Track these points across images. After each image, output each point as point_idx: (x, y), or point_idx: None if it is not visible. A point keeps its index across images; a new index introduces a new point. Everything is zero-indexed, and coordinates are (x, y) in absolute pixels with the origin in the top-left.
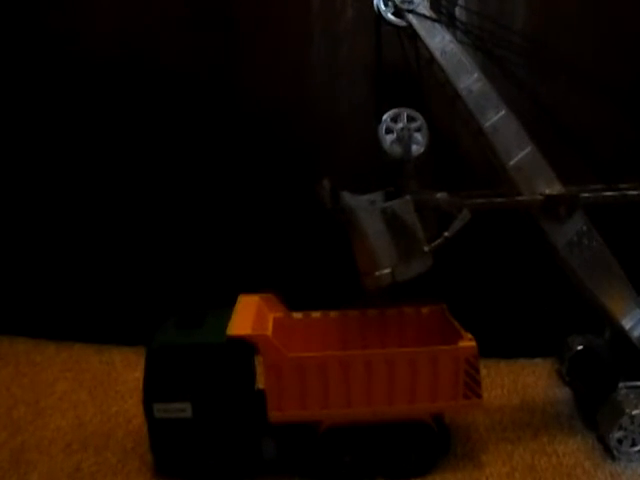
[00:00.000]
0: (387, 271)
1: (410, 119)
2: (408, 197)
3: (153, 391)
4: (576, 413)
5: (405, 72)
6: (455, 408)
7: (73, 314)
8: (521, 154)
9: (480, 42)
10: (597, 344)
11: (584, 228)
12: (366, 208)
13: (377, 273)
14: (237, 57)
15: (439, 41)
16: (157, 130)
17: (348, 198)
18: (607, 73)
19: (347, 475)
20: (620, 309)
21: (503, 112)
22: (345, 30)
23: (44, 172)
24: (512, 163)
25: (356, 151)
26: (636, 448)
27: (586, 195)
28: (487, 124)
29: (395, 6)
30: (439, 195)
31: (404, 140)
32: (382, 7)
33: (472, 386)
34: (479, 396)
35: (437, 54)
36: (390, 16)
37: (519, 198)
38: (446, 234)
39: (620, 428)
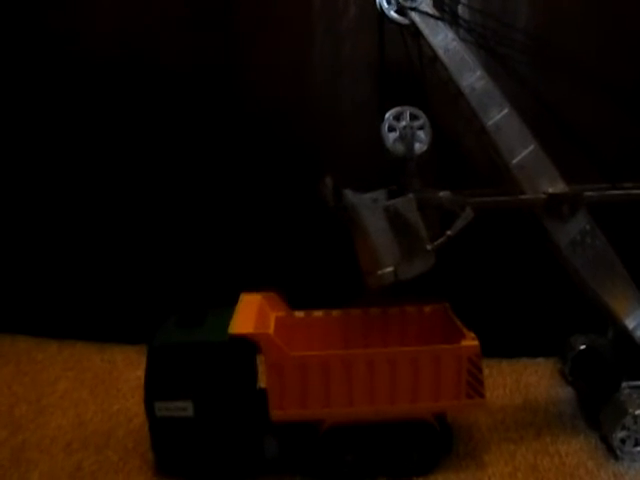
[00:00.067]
0: (390, 270)
1: (413, 117)
2: (411, 195)
3: (154, 390)
4: (579, 413)
5: (408, 70)
6: (458, 407)
7: (75, 312)
8: (524, 152)
9: (483, 40)
10: (600, 344)
11: (587, 227)
12: (369, 206)
13: (379, 272)
14: (239, 56)
15: (442, 39)
16: (158, 129)
17: (350, 196)
18: (611, 71)
19: (349, 474)
20: (623, 309)
21: (506, 110)
22: (348, 28)
23: (44, 171)
24: (515, 162)
25: (359, 149)
26: (639, 448)
27: (589, 194)
28: (490, 122)
29: (398, 4)
30: (442, 193)
31: (407, 138)
32: (385, 5)
33: (475, 385)
34: (482, 395)
35: (440, 52)
36: (393, 14)
37: (522, 197)
38: (449, 233)
39: (623, 428)
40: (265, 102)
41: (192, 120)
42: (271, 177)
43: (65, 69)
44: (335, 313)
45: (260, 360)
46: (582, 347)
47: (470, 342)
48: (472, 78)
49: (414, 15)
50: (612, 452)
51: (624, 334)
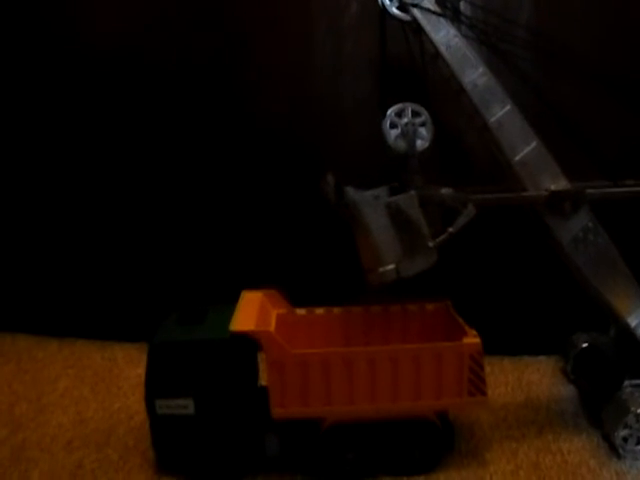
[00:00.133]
0: (391, 267)
1: (415, 114)
2: (412, 192)
3: (155, 387)
4: (581, 411)
5: (410, 67)
6: (459, 405)
7: (75, 311)
8: (526, 149)
9: (485, 36)
10: (602, 342)
11: (589, 224)
12: (370, 203)
13: (381, 269)
14: (240, 54)
15: (444, 35)
16: (159, 128)
17: (352, 193)
18: (613, 68)
19: (350, 472)
20: (626, 307)
21: (508, 107)
22: (349, 25)
23: (45, 170)
24: (517, 158)
25: (360, 146)
26: None
27: (591, 191)
28: (492, 119)
29: (399, 0)
30: (444, 190)
31: (408, 135)
32: (387, 1)
33: (477, 383)
34: (484, 393)
35: (442, 48)
36: (395, 10)
37: (524, 194)
38: (451, 230)
39: (625, 426)
40: (266, 100)
41: (193, 118)
42: (272, 175)
43: (65, 69)
44: (336, 310)
45: (261, 358)
46: (584, 345)
47: (472, 340)
48: (474, 75)
49: (416, 11)
50: (614, 450)
51: (626, 332)
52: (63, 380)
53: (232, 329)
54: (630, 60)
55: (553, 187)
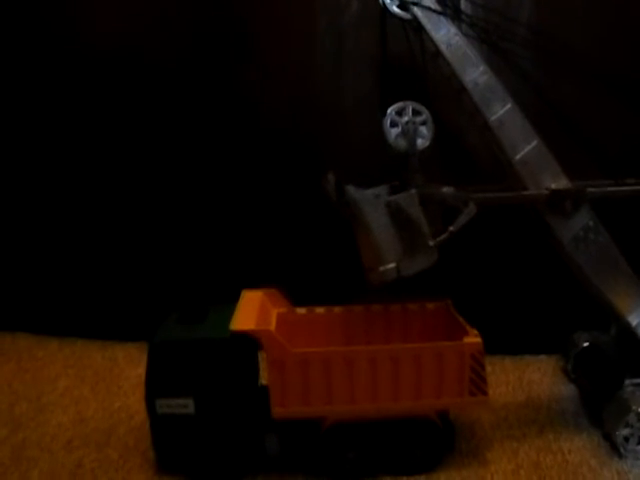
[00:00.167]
0: (392, 266)
1: (415, 112)
2: (413, 191)
3: (155, 387)
4: (581, 410)
5: (410, 65)
6: (460, 405)
7: (76, 310)
8: (527, 148)
9: (485, 35)
10: (603, 341)
11: (590, 223)
12: (371, 202)
13: (382, 268)
14: (240, 52)
15: (444, 34)
16: (159, 126)
17: (353, 192)
18: (614, 66)
19: (351, 472)
20: (627, 305)
21: (509, 105)
22: (350, 23)
23: (45, 170)
24: (518, 157)
25: (361, 145)
26: None
27: (592, 190)
28: (493, 118)
29: None
30: (445, 189)
31: (409, 134)
32: (387, 0)
33: (478, 383)
34: (485, 393)
35: (442, 47)
36: (395, 9)
37: (525, 192)
38: (451, 228)
39: (626, 426)
40: (267, 98)
41: (193, 117)
42: (273, 173)
43: (66, 68)
44: (337, 309)
45: (262, 357)
46: (585, 344)
47: (473, 339)
48: (475, 73)
49: (416, 10)
50: (615, 450)
51: (627, 331)
52: (63, 379)
53: (232, 328)
54: (631, 58)
55: (554, 186)
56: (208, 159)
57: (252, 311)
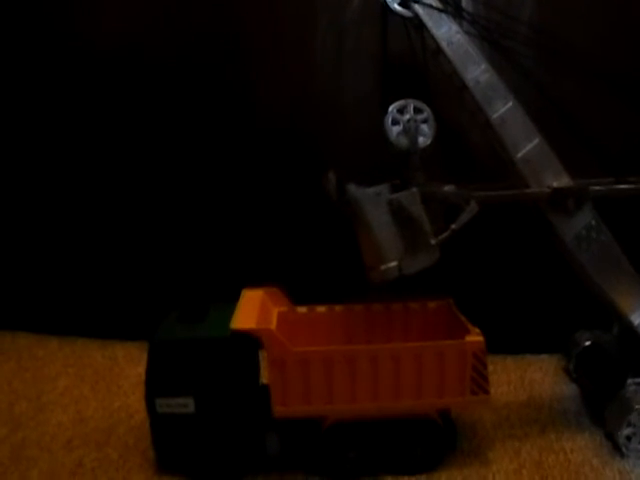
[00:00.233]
0: (393, 264)
1: (417, 110)
2: (414, 189)
3: (155, 386)
4: (583, 410)
5: (411, 63)
6: (462, 404)
7: (76, 309)
8: (529, 146)
9: (487, 33)
10: (605, 340)
11: (593, 222)
12: (372, 200)
13: (383, 267)
14: (241, 49)
15: (446, 32)
16: (159, 124)
17: (354, 190)
18: (616, 64)
19: (352, 471)
20: (629, 305)
21: (511, 103)
22: (351, 21)
23: (45, 169)
24: (520, 155)
25: (362, 143)
26: None
27: (595, 188)
28: (495, 116)
29: None
30: (446, 187)
31: (411, 132)
32: None
33: (479, 382)
34: (486, 392)
35: (444, 45)
36: (396, 6)
37: (527, 191)
38: (453, 227)
39: (629, 425)
40: (268, 97)
41: (193, 116)
42: (274, 172)
43: (67, 67)
44: (338, 308)
45: (262, 356)
46: (587, 343)
47: (475, 338)
48: (476, 71)
49: (417, 7)
50: (617, 449)
51: (629, 330)
52: (63, 379)
53: (233, 327)
54: (633, 56)
55: (556, 184)
56: (208, 158)
57: (253, 310)
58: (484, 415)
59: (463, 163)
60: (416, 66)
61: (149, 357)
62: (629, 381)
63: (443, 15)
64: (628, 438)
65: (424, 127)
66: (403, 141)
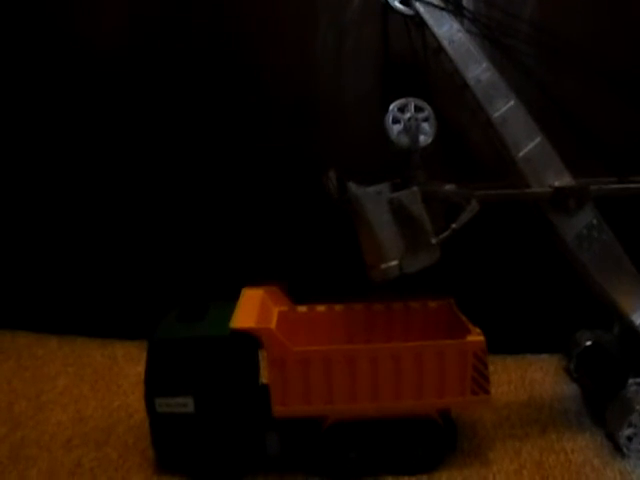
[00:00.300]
0: (394, 263)
1: (417, 109)
2: (415, 188)
3: (155, 385)
4: (584, 410)
5: (412, 61)
6: (463, 404)
7: (75, 308)
8: (530, 145)
9: (488, 31)
10: (606, 340)
11: (594, 221)
12: (373, 199)
13: (384, 265)
14: (241, 48)
15: (447, 30)
16: (159, 121)
17: (354, 189)
18: (617, 63)
19: (352, 471)
20: (630, 304)
21: (512, 102)
22: (352, 19)
23: (45, 168)
24: (521, 154)
25: (363, 141)
26: None
27: (596, 187)
28: (496, 114)
29: None
30: (447, 186)
31: (411, 130)
32: None
33: (480, 382)
34: (487, 392)
35: (445, 43)
36: (397, 4)
37: (528, 190)
38: (454, 226)
39: (630, 425)
40: (268, 95)
41: (194, 114)
42: (274, 170)
43: (67, 67)
44: (338, 308)
45: (262, 355)
46: (588, 343)
47: (476, 337)
48: (478, 70)
49: (418, 5)
50: (619, 450)
51: (630, 330)
52: (63, 378)
53: (233, 326)
54: (634, 55)
55: (557, 183)
56: (208, 156)
57: (252, 309)
58: (485, 415)
59: (464, 162)
60: (417, 64)
61: (148, 356)
62: (630, 381)
63: (444, 13)
64: (629, 438)
65: (425, 126)
66: (404, 140)
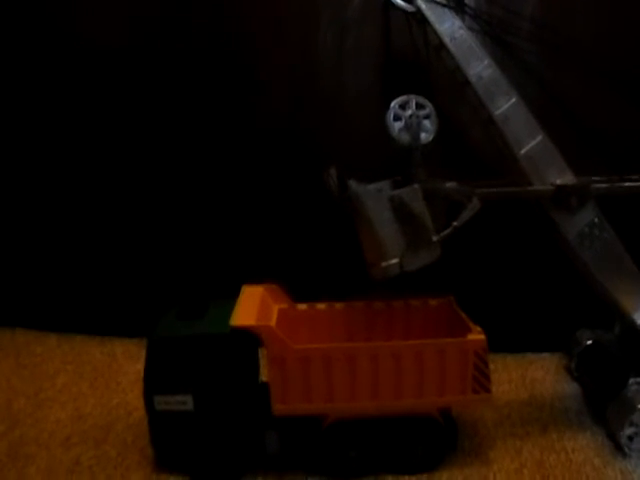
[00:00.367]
0: (395, 261)
1: (419, 106)
2: (416, 185)
3: (154, 383)
4: (585, 409)
5: (414, 58)
6: (463, 403)
7: (75, 306)
8: (532, 143)
9: (489, 28)
10: (607, 339)
11: (596, 220)
12: (373, 196)
13: (384, 263)
14: (242, 45)
15: (449, 27)
16: (159, 119)
17: (355, 186)
18: (618, 60)
19: (352, 470)
20: (631, 303)
21: (514, 100)
22: (353, 16)
23: (45, 166)
24: (523, 152)
25: (364, 139)
26: None
27: (598, 186)
28: (497, 112)
29: None
30: (448, 184)
31: (413, 127)
32: None
33: (481, 380)
34: (488, 390)
35: (446, 40)
36: (398, 1)
37: (530, 188)
38: (455, 224)
39: (631, 425)
40: (269, 93)
41: (194, 112)
42: (275, 168)
43: (66, 67)
44: (338, 306)
45: (262, 353)
46: (588, 342)
47: (477, 336)
48: (479, 67)
49: (420, 2)
50: (619, 449)
51: (631, 329)
52: (62, 375)
53: (232, 324)
54: (636, 52)
55: (559, 181)
56: (208, 155)
57: (252, 307)
58: (485, 414)
59: (465, 159)
60: (418, 62)
61: (147, 354)
62: (631, 380)
63: (446, 10)
64: (630, 438)
65: (426, 123)
66: (405, 137)
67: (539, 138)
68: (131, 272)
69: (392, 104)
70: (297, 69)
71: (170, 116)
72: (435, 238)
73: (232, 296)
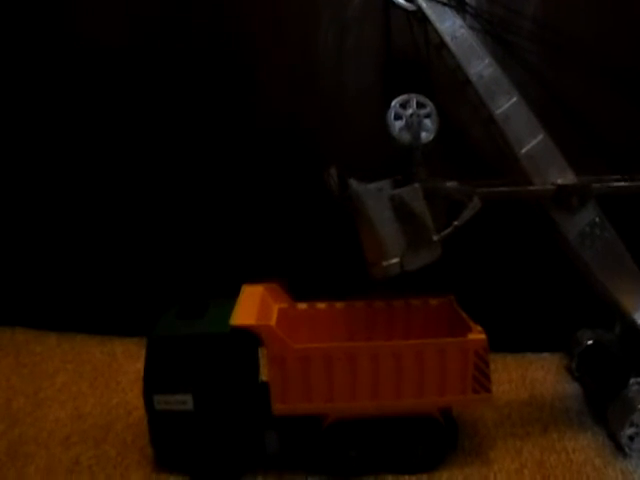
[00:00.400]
0: (395, 261)
1: (419, 105)
2: (417, 185)
3: (153, 383)
4: (586, 409)
5: (415, 57)
6: (464, 402)
7: (74, 305)
8: (533, 142)
9: (490, 27)
10: (607, 339)
11: (596, 219)
12: (374, 195)
13: (385, 263)
14: (242, 45)
15: (449, 26)
16: (159, 118)
17: (356, 186)
18: (620, 59)
19: (352, 470)
20: (632, 303)
21: (514, 99)
22: (353, 15)
23: (44, 166)
24: (523, 151)
25: (364, 138)
26: None
27: (599, 185)
28: (498, 111)
29: None
30: (449, 183)
31: (413, 127)
32: None
33: (481, 380)
34: (488, 390)
35: (447, 39)
36: (399, 0)
37: (530, 187)
38: (456, 223)
39: (631, 425)
40: (269, 92)
41: (194, 112)
42: (275, 167)
43: (66, 67)
44: (339, 305)
45: (262, 352)
46: (589, 342)
47: (477, 335)
48: (480, 66)
49: (421, 1)
50: (620, 449)
51: (632, 329)
52: (61, 375)
53: (232, 323)
54: (637, 52)
55: (560, 181)
56: (208, 155)
57: (252, 306)
58: (486, 414)
59: (466, 159)
60: (419, 60)
61: (147, 353)
62: (632, 380)
63: (447, 9)
64: (631, 438)
65: (427, 122)
66: (405, 136)
67: (540, 137)
68: (131, 272)
69: (393, 103)
70: (297, 69)
71: (170, 116)
72: (436, 237)
73: (232, 296)
